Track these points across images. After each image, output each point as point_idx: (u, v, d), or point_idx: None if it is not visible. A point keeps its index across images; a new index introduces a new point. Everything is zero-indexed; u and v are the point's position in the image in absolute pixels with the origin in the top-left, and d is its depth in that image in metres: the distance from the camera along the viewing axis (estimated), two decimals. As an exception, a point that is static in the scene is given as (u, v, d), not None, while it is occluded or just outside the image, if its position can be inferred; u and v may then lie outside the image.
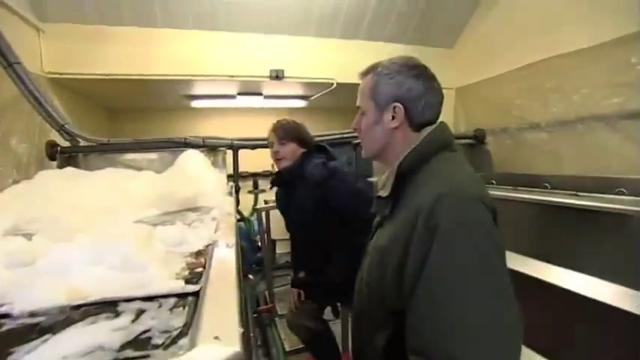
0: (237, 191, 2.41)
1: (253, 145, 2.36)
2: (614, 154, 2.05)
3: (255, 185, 3.97)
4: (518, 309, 0.63)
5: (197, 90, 3.28)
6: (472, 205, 0.65)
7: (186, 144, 2.15)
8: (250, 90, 3.38)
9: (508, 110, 2.85)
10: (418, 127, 0.81)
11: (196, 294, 0.43)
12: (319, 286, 1.57)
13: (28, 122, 2.15)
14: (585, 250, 1.48)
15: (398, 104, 0.80)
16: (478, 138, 2.91)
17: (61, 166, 1.95)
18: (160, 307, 0.41)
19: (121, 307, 0.42)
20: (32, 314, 0.40)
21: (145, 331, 0.38)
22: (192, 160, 1.60)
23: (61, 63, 2.44)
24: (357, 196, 1.38)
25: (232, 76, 2.86)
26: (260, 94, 3.44)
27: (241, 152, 2.45)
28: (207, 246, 0.65)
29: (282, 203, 1.72)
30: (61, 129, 1.96)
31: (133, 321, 0.39)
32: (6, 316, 0.41)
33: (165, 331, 0.38)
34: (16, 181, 1.87)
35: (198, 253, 0.61)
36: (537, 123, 2.57)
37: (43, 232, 0.73)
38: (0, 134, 1.96)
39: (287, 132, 1.57)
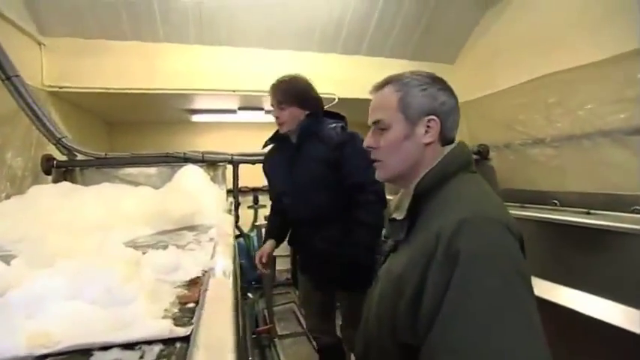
0: (236, 207, 2.35)
1: (254, 160, 2.32)
2: (622, 170, 1.99)
3: (256, 200, 3.91)
4: (545, 341, 0.56)
5: (198, 104, 3.27)
6: (496, 231, 0.60)
7: (186, 159, 2.11)
8: (251, 105, 3.37)
9: (511, 125, 2.83)
10: (446, 144, 0.77)
11: (186, 339, 0.37)
12: (307, 258, 1.50)
13: (25, 136, 2.11)
14: (599, 272, 1.42)
15: (434, 117, 0.74)
16: (482, 153, 2.87)
17: (56, 181, 1.90)
18: (141, 357, 0.34)
19: (96, 357, 0.35)
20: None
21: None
22: (191, 175, 1.55)
23: (61, 76, 2.43)
24: (368, 170, 1.30)
25: (234, 91, 2.85)
26: (261, 108, 3.43)
27: (241, 167, 2.40)
28: (203, 272, 0.59)
29: (274, 165, 1.60)
30: (57, 142, 1.91)
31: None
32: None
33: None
34: (9, 196, 1.81)
35: (192, 283, 0.55)
36: (542, 138, 2.54)
37: (25, 254, 0.67)
38: (-5, 148, 1.93)
39: (285, 94, 1.43)
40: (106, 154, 2.00)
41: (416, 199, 0.70)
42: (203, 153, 2.16)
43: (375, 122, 0.79)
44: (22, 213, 1.21)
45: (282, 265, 3.35)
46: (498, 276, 0.56)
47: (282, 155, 1.53)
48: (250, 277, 3.38)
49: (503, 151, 2.88)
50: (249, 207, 3.85)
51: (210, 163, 2.19)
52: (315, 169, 1.38)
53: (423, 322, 0.59)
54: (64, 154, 1.97)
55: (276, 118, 1.46)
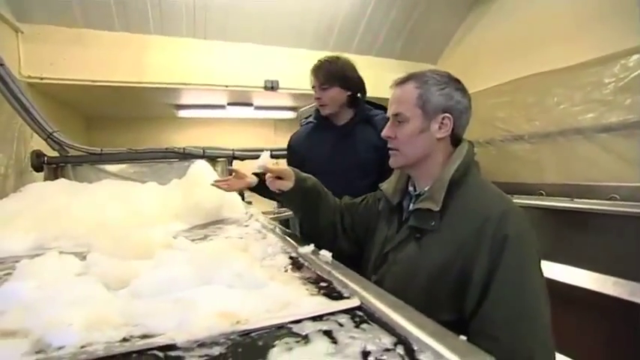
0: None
1: (255, 155, 2.30)
2: (593, 163, 2.23)
3: (242, 197, 3.86)
4: None
5: (186, 99, 3.17)
6: (525, 218, 0.73)
7: (186, 154, 2.05)
8: (241, 100, 3.32)
9: (492, 123, 3.03)
10: (456, 142, 0.85)
11: (358, 309, 0.40)
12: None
13: (6, 131, 1.95)
14: (585, 248, 1.60)
15: (448, 115, 0.81)
16: (467, 149, 3.05)
17: (47, 178, 1.78)
18: (341, 326, 0.37)
19: (297, 329, 0.37)
20: (201, 344, 0.34)
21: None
22: (206, 170, 1.52)
23: (41, 67, 2.26)
24: None
25: (227, 86, 2.81)
26: (251, 104, 3.39)
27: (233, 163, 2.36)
28: (292, 258, 0.61)
29: (314, 144, 1.50)
30: (48, 137, 1.79)
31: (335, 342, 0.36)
32: (171, 347, 0.35)
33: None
34: (-8, 195, 1.68)
35: (296, 267, 0.57)
36: (521, 135, 2.75)
37: (96, 248, 0.65)
38: (-27, 143, 1.77)
39: (329, 75, 1.37)
40: (101, 150, 1.90)
41: (448, 190, 0.77)
42: (204, 148, 2.12)
43: (395, 114, 0.85)
44: (36, 211, 1.13)
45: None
46: (533, 253, 0.70)
47: (325, 136, 1.47)
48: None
49: (485, 147, 3.08)
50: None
51: (210, 158, 2.15)
52: (364, 153, 1.37)
53: (473, 295, 0.69)
54: (55, 149, 1.85)
55: (318, 99, 1.40)
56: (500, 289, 0.67)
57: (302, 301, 0.41)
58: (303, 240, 0.77)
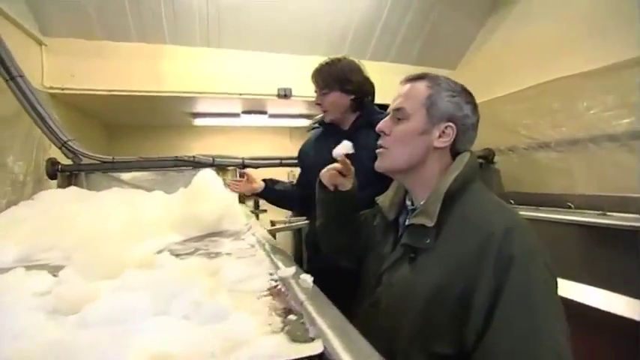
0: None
1: (265, 164, 2.28)
2: (628, 173, 2.04)
3: (257, 205, 3.86)
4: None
5: (201, 107, 3.22)
6: (533, 236, 0.66)
7: (196, 163, 2.05)
8: (255, 108, 3.33)
9: (515, 129, 2.87)
10: (454, 155, 0.78)
11: (319, 357, 0.33)
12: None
13: (26, 139, 2.03)
14: (619, 270, 1.44)
15: (452, 125, 0.75)
16: (487, 157, 2.90)
17: (61, 186, 1.82)
18: None
19: None
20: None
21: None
22: (210, 180, 1.49)
23: (62, 78, 2.35)
24: None
25: (240, 94, 2.81)
26: (265, 112, 3.39)
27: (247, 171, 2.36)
28: (274, 282, 0.55)
29: (317, 150, 1.43)
30: (63, 145, 1.84)
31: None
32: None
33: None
34: (10, 202, 1.73)
35: (273, 292, 0.51)
36: (547, 142, 2.58)
37: (75, 264, 0.62)
38: (-4, 151, 1.84)
39: (329, 78, 1.28)
40: (113, 158, 1.93)
41: (444, 204, 0.69)
42: (214, 157, 2.11)
43: (397, 109, 0.78)
44: (40, 219, 1.14)
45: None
46: (542, 275, 0.62)
47: (329, 141, 1.35)
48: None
49: (507, 155, 2.92)
50: (250, 211, 3.80)
51: (220, 167, 2.14)
52: (365, 161, 1.27)
53: (475, 324, 0.60)
54: (69, 157, 1.89)
55: (319, 105, 1.33)
56: (506, 318, 0.58)
57: (258, 342, 0.35)
58: (308, 249, 0.71)
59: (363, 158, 1.28)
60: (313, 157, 1.44)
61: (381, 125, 0.80)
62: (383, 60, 3.23)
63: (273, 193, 1.47)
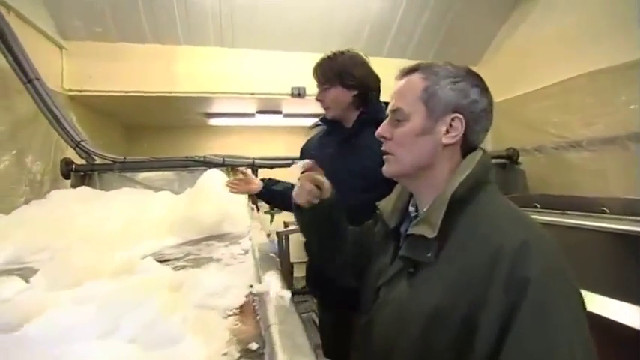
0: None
1: (276, 164, 2.24)
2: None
3: (272, 206, 3.84)
4: None
5: (216, 108, 3.23)
6: (557, 253, 0.55)
7: (206, 163, 2.04)
8: (270, 108, 3.30)
9: (542, 128, 2.69)
10: (466, 151, 0.67)
11: None
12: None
13: (45, 140, 2.08)
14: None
15: (459, 115, 0.64)
16: (511, 157, 2.73)
17: (75, 185, 1.86)
18: None
19: None
20: None
21: None
22: (215, 180, 1.46)
23: (81, 80, 2.41)
24: None
25: (253, 94, 2.79)
26: (279, 112, 3.36)
27: (259, 171, 2.33)
28: (251, 296, 0.50)
29: (320, 149, 1.36)
30: (77, 146, 1.87)
31: None
32: None
33: None
34: (28, 201, 1.77)
35: (244, 311, 0.45)
36: (578, 141, 2.39)
37: (47, 270, 0.59)
38: (15, 151, 1.89)
39: (329, 72, 1.20)
40: (125, 158, 1.95)
41: (449, 211, 0.60)
42: (224, 157, 2.09)
43: (394, 111, 0.69)
44: (42, 220, 1.14)
45: (300, 272, 3.25)
46: (566, 302, 0.51)
47: (334, 139, 1.31)
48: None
49: (533, 155, 2.73)
50: (265, 212, 3.78)
51: (230, 167, 2.12)
52: (368, 163, 1.16)
53: (481, 353, 0.51)
54: (82, 157, 1.93)
55: (320, 101, 1.25)
56: (521, 350, 0.48)
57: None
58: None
59: (365, 159, 1.18)
60: (315, 156, 1.38)
61: (380, 131, 0.71)
62: (401, 57, 3.12)
63: (270, 193, 1.41)
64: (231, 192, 1.31)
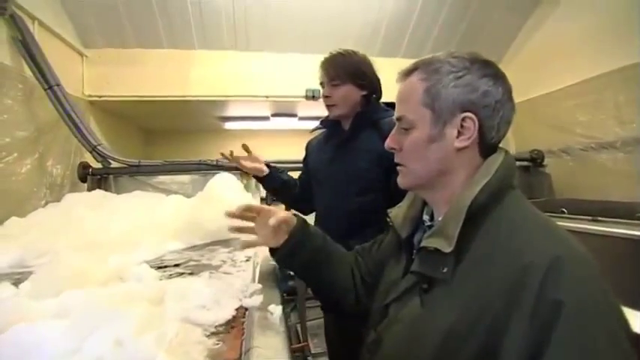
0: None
1: (290, 167, 2.21)
2: None
3: (287, 208, 3.82)
4: None
5: (231, 111, 3.25)
6: (596, 273, 0.46)
7: (218, 166, 2.03)
8: (285, 111, 3.30)
9: (569, 128, 2.54)
10: (487, 151, 0.59)
11: None
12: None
13: (65, 144, 2.14)
14: None
15: (470, 114, 0.56)
16: (535, 160, 2.59)
17: (91, 188, 1.89)
18: None
19: None
20: None
21: None
22: (225, 184, 1.45)
23: (100, 86, 2.48)
24: None
25: (267, 97, 2.79)
26: (295, 115, 3.35)
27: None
28: (242, 310, 0.46)
29: (317, 151, 1.36)
30: (93, 150, 1.91)
31: None
32: None
33: None
34: (48, 203, 1.82)
35: (230, 328, 0.42)
36: (611, 142, 2.23)
37: (35, 276, 0.57)
38: (37, 155, 1.96)
39: (342, 69, 1.18)
40: (139, 162, 1.97)
41: (467, 221, 0.52)
42: (236, 160, 2.08)
43: (399, 119, 0.63)
44: (51, 223, 1.15)
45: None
46: (608, 331, 0.43)
47: (332, 141, 1.29)
48: (282, 289, 3.25)
49: (559, 157, 2.59)
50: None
51: (243, 171, 2.11)
52: (364, 165, 1.16)
53: None
54: (99, 161, 1.96)
55: (327, 97, 1.21)
56: None
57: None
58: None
59: (360, 160, 1.17)
60: (313, 159, 1.37)
61: (389, 142, 0.64)
62: (418, 57, 3.03)
63: (277, 180, 1.42)
64: (242, 169, 1.35)
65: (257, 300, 0.49)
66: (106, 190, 1.84)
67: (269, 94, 2.81)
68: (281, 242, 0.71)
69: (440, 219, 0.59)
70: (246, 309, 0.48)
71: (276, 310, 0.45)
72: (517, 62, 3.03)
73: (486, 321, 0.46)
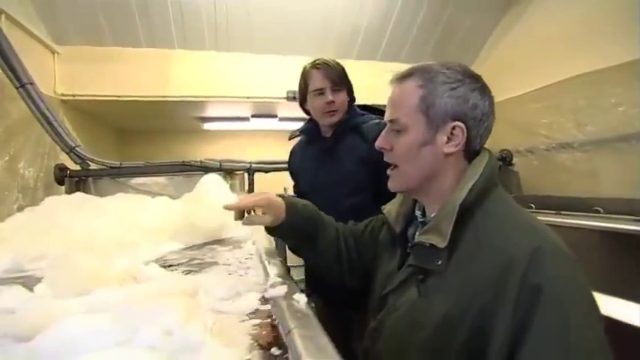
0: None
1: (273, 168, 2.23)
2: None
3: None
4: None
5: (210, 112, 3.21)
6: (570, 261, 0.53)
7: (203, 167, 2.02)
8: (265, 112, 3.30)
9: (534, 130, 2.73)
10: (470, 156, 0.66)
11: None
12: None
13: (37, 145, 2.05)
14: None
15: (459, 124, 0.62)
16: (505, 159, 2.77)
17: (69, 191, 1.82)
18: None
19: None
20: None
21: None
22: (213, 185, 1.45)
23: (74, 84, 2.38)
24: None
25: (248, 98, 2.79)
26: (275, 116, 3.36)
27: (257, 175, 2.32)
28: (264, 300, 0.49)
29: (303, 159, 1.38)
30: (71, 151, 1.84)
31: None
32: None
33: None
34: (21, 207, 1.74)
35: (260, 315, 0.45)
36: (570, 142, 2.43)
37: (50, 278, 0.58)
38: (7, 157, 1.86)
39: (339, 76, 1.21)
40: (120, 164, 1.92)
41: (458, 218, 0.59)
42: (221, 161, 2.08)
43: (392, 121, 0.67)
44: (38, 227, 1.12)
45: (297, 275, 3.24)
46: (582, 313, 0.50)
47: (314, 149, 1.33)
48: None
49: (526, 157, 2.78)
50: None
51: (227, 171, 2.11)
52: (350, 167, 1.21)
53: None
54: (77, 163, 1.89)
55: (331, 103, 1.20)
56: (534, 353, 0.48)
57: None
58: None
59: (347, 163, 1.22)
60: (300, 165, 1.41)
61: (380, 142, 0.69)
62: (395, 60, 3.15)
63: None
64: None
65: (282, 290, 0.53)
66: (85, 192, 1.78)
67: (250, 95, 2.81)
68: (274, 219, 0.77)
69: (433, 216, 0.65)
70: (269, 299, 0.51)
71: (301, 298, 0.48)
72: (488, 66, 3.20)
73: (477, 306, 0.53)
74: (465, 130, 0.62)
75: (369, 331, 0.71)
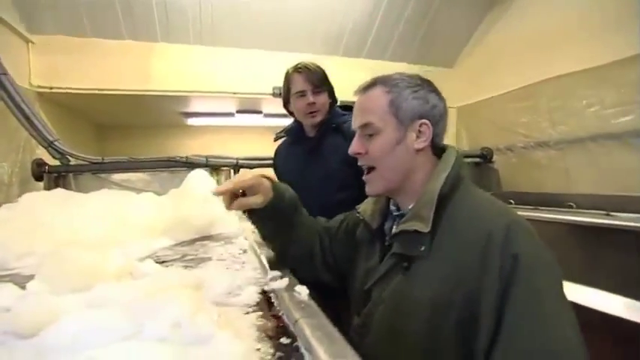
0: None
1: (259, 164, 2.23)
2: (631, 172, 2.01)
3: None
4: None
5: (194, 107, 3.15)
6: (535, 233, 0.61)
7: (189, 163, 2.00)
8: (250, 108, 3.27)
9: (513, 128, 2.84)
10: (437, 151, 0.74)
11: None
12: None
13: (11, 139, 1.96)
14: (623, 271, 1.40)
15: (425, 121, 0.70)
16: (485, 156, 2.87)
17: (48, 187, 1.76)
18: None
19: None
20: None
21: None
22: (201, 180, 1.44)
23: (51, 76, 2.28)
24: None
25: (234, 93, 2.76)
26: (260, 112, 3.34)
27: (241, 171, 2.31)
28: (264, 293, 0.50)
29: (288, 160, 1.42)
30: (49, 146, 1.77)
31: None
32: None
33: None
34: (-5, 204, 1.66)
35: (263, 307, 0.46)
36: (545, 141, 2.55)
37: (43, 274, 0.57)
38: (-21, 153, 1.77)
39: (322, 78, 1.26)
40: (103, 159, 1.87)
41: (438, 206, 0.64)
42: (207, 157, 2.06)
43: (363, 126, 0.73)
44: (19, 223, 1.08)
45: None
46: (551, 274, 0.58)
47: (299, 149, 1.37)
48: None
49: (505, 154, 2.89)
50: (243, 212, 3.74)
51: (214, 167, 2.09)
52: (335, 166, 1.24)
53: (483, 331, 0.56)
54: (56, 158, 1.83)
55: (312, 104, 1.25)
56: (517, 322, 0.54)
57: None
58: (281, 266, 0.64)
59: (332, 162, 1.26)
60: (285, 165, 1.44)
61: (354, 148, 0.74)
62: (380, 58, 3.19)
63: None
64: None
65: (283, 282, 0.54)
66: (65, 188, 1.72)
67: (235, 90, 2.78)
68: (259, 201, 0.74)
69: (411, 207, 0.70)
70: (271, 292, 0.52)
71: (302, 290, 0.50)
72: (469, 66, 3.30)
73: (465, 280, 0.58)
74: (430, 127, 0.70)
75: (355, 328, 0.74)
